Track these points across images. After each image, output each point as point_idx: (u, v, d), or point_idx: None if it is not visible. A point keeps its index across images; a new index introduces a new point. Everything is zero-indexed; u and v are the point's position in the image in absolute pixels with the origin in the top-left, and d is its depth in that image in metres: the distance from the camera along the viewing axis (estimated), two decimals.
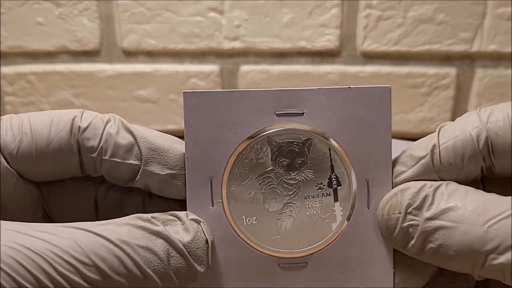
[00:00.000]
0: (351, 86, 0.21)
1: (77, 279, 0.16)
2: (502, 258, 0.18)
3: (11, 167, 0.20)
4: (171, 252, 0.19)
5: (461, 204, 0.19)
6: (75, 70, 0.59)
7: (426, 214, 0.19)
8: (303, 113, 0.21)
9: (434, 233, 0.19)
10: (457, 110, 0.56)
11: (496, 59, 0.54)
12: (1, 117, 0.21)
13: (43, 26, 0.58)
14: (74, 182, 0.22)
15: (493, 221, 0.18)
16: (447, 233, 0.19)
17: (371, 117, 0.21)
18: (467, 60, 0.55)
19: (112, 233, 0.18)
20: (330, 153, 0.21)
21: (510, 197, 0.19)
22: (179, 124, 0.60)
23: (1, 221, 0.17)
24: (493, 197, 0.19)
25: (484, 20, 0.53)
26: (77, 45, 0.58)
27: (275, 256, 0.21)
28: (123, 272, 0.17)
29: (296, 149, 0.21)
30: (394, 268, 0.22)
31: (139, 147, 0.20)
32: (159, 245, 0.18)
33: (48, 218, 0.23)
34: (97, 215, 0.23)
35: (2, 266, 0.15)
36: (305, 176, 0.21)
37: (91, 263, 0.17)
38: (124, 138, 0.20)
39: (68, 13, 0.57)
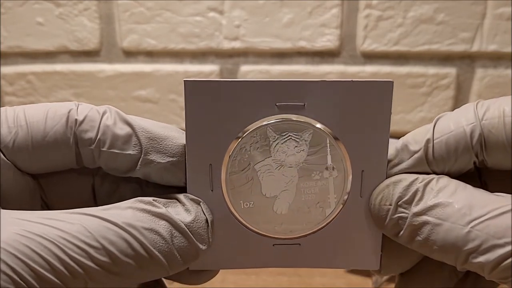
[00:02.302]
0: (353, 80, 0.21)
1: (88, 262, 0.17)
2: (482, 258, 0.18)
3: (7, 159, 0.20)
4: (174, 233, 0.19)
5: (449, 201, 0.19)
6: (75, 70, 0.59)
7: (415, 209, 0.20)
8: (304, 104, 0.21)
9: (421, 227, 0.20)
10: None
11: (496, 59, 0.54)
12: None
13: (43, 26, 0.58)
14: (71, 170, 0.22)
15: (476, 221, 0.18)
16: (432, 229, 0.20)
17: (372, 110, 0.21)
18: (467, 60, 0.55)
19: (117, 217, 0.18)
20: (328, 145, 0.21)
21: (496, 196, 0.19)
22: (179, 124, 0.60)
23: (8, 210, 0.18)
24: (480, 196, 0.19)
25: (484, 20, 0.53)
26: (77, 45, 0.59)
27: (271, 237, 0.22)
28: (131, 254, 0.18)
29: (296, 139, 0.21)
30: (381, 251, 0.23)
31: (137, 137, 0.21)
32: (162, 226, 0.19)
33: (46, 207, 0.23)
34: (95, 201, 0.23)
35: (18, 254, 0.16)
36: (303, 165, 0.21)
37: (100, 246, 0.17)
38: (122, 129, 0.21)
39: (68, 13, 0.58)
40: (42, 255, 0.16)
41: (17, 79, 0.60)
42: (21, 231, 0.16)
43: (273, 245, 0.22)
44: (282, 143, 0.21)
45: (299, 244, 0.23)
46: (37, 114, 0.20)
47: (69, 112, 0.20)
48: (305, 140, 0.21)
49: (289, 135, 0.21)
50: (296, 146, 0.21)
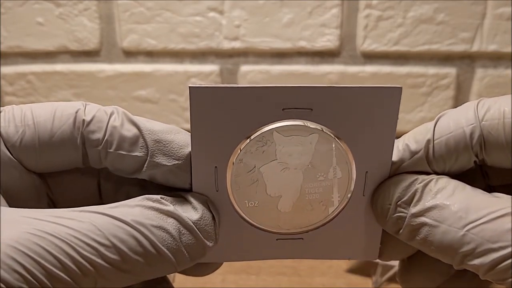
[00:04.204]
0: (361, 86, 0.21)
1: (99, 260, 0.17)
2: (477, 261, 0.19)
3: (14, 158, 0.20)
4: (182, 230, 0.20)
5: (446, 203, 0.20)
6: (75, 70, 0.59)
7: (413, 209, 0.21)
8: (311, 109, 0.21)
9: (419, 228, 0.20)
10: None
11: (496, 59, 0.55)
12: (3, 108, 0.21)
13: (43, 26, 0.58)
14: (76, 169, 0.22)
15: (472, 225, 0.19)
16: (429, 230, 0.20)
17: (379, 116, 0.21)
18: (467, 60, 0.55)
19: (126, 215, 0.18)
20: (334, 148, 0.21)
21: (493, 198, 0.20)
22: (180, 124, 0.60)
23: (17, 208, 0.18)
24: (477, 198, 0.20)
25: (484, 20, 0.53)
26: (77, 45, 0.59)
27: (274, 232, 0.23)
28: (140, 251, 0.18)
29: (301, 143, 0.21)
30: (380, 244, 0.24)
31: (144, 139, 0.21)
32: (170, 224, 0.19)
33: (53, 205, 0.23)
34: (101, 198, 0.23)
35: (30, 253, 0.16)
36: (308, 168, 0.22)
37: (110, 244, 0.17)
38: (129, 131, 0.21)
39: (68, 13, 0.57)
40: (54, 254, 0.16)
41: (17, 79, 0.60)
42: (32, 229, 0.16)
43: (276, 239, 0.23)
44: (288, 147, 0.21)
45: (302, 239, 0.23)
46: (44, 114, 0.20)
47: (76, 112, 0.20)
48: (311, 144, 0.21)
49: (295, 139, 0.21)
50: (301, 149, 0.21)
